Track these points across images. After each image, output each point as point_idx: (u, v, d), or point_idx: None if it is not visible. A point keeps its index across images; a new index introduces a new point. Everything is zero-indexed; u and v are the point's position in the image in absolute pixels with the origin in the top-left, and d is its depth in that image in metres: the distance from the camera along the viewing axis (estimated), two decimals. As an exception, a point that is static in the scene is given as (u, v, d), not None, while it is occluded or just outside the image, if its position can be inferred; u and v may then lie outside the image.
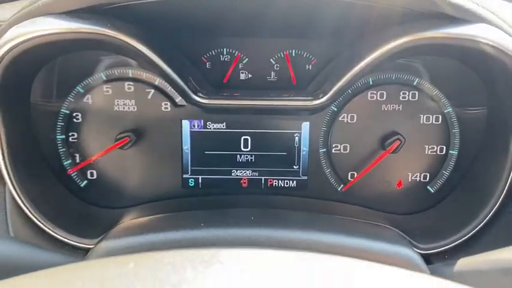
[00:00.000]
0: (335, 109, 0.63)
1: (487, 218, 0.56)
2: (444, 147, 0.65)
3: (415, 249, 0.55)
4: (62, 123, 0.63)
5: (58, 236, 0.54)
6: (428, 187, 0.66)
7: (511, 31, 0.52)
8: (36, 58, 0.55)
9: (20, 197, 0.57)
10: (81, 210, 0.60)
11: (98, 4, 0.51)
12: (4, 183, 0.57)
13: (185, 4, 0.53)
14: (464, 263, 0.43)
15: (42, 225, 0.55)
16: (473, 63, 0.57)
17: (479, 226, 0.56)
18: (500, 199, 0.56)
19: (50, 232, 0.54)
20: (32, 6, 0.50)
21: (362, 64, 0.56)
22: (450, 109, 0.63)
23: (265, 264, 0.34)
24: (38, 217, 0.55)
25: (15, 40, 0.50)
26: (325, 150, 0.65)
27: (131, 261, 0.29)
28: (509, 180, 0.58)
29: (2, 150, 0.55)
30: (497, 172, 0.57)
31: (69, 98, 0.62)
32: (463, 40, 0.50)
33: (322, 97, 0.58)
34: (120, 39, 0.53)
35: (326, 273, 0.32)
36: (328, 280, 0.32)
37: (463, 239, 0.56)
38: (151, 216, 0.59)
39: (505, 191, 0.57)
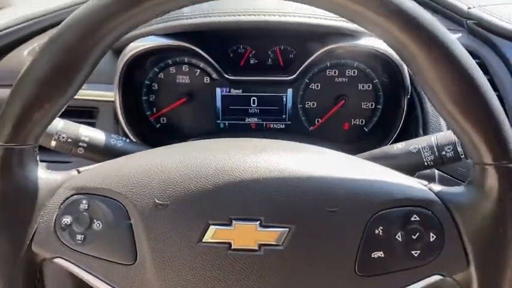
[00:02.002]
0: (307, 81, 0.89)
1: (390, 143, 0.83)
2: (374, 103, 0.90)
3: None
4: (145, 90, 0.90)
5: None
6: (364, 128, 0.92)
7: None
8: (142, 58, 0.82)
9: (129, 132, 0.83)
10: (160, 140, 0.88)
11: (181, 31, 0.80)
12: (118, 124, 0.84)
13: (231, 29, 0.81)
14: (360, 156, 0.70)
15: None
16: (375, 57, 0.84)
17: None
18: (396, 133, 0.83)
19: None
20: (144, 30, 0.79)
21: (309, 60, 0.82)
22: (377, 80, 0.88)
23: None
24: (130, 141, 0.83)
25: (136, 49, 0.78)
26: (301, 105, 0.90)
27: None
28: (402, 122, 0.82)
29: (120, 106, 0.81)
30: (397, 116, 0.83)
31: (149, 75, 0.89)
32: (359, 47, 0.80)
33: (293, 75, 0.85)
34: (193, 49, 0.81)
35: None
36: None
37: None
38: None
39: (399, 128, 0.82)
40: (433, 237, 0.47)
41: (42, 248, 0.49)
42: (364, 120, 0.92)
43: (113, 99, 0.83)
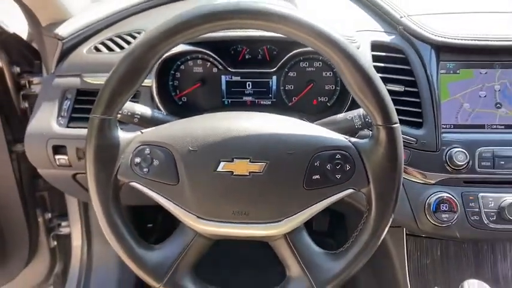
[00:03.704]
0: (286, 70, 1.05)
1: (345, 109, 0.98)
2: (334, 85, 1.07)
3: None
4: (171, 77, 1.07)
5: None
6: (327, 103, 1.08)
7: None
8: (171, 58, 1.02)
9: (161, 107, 0.99)
10: (182, 113, 0.91)
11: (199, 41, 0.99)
12: (153, 102, 0.99)
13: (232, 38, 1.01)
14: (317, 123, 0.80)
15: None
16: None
17: None
18: (347, 106, 0.97)
19: None
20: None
21: (285, 57, 1.00)
22: (336, 69, 1.11)
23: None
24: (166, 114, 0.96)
25: (168, 53, 0.90)
26: (283, 88, 1.06)
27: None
28: (350, 99, 0.95)
29: (155, 89, 1.00)
30: (348, 95, 0.96)
31: (174, 66, 1.06)
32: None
33: (276, 67, 1.03)
34: (206, 52, 1.01)
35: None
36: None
37: None
38: None
39: (348, 103, 0.96)
40: (348, 167, 0.70)
41: (123, 176, 0.71)
42: (327, 98, 1.09)
43: (149, 84, 1.00)
